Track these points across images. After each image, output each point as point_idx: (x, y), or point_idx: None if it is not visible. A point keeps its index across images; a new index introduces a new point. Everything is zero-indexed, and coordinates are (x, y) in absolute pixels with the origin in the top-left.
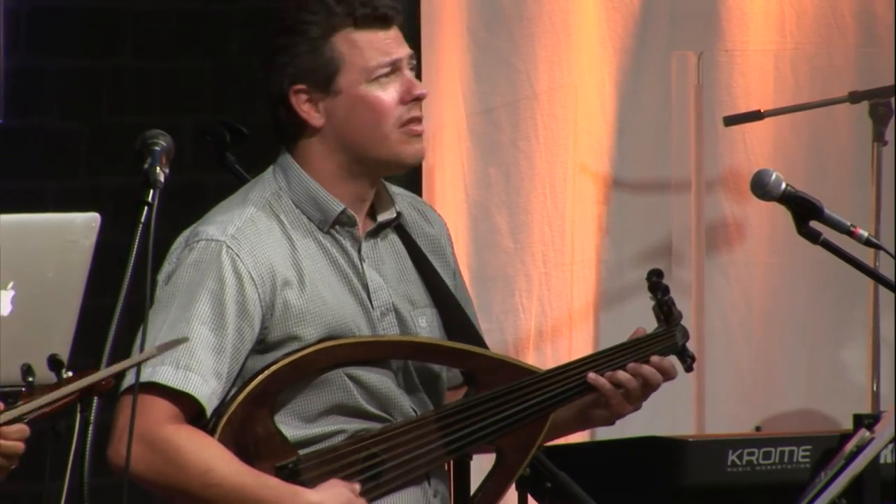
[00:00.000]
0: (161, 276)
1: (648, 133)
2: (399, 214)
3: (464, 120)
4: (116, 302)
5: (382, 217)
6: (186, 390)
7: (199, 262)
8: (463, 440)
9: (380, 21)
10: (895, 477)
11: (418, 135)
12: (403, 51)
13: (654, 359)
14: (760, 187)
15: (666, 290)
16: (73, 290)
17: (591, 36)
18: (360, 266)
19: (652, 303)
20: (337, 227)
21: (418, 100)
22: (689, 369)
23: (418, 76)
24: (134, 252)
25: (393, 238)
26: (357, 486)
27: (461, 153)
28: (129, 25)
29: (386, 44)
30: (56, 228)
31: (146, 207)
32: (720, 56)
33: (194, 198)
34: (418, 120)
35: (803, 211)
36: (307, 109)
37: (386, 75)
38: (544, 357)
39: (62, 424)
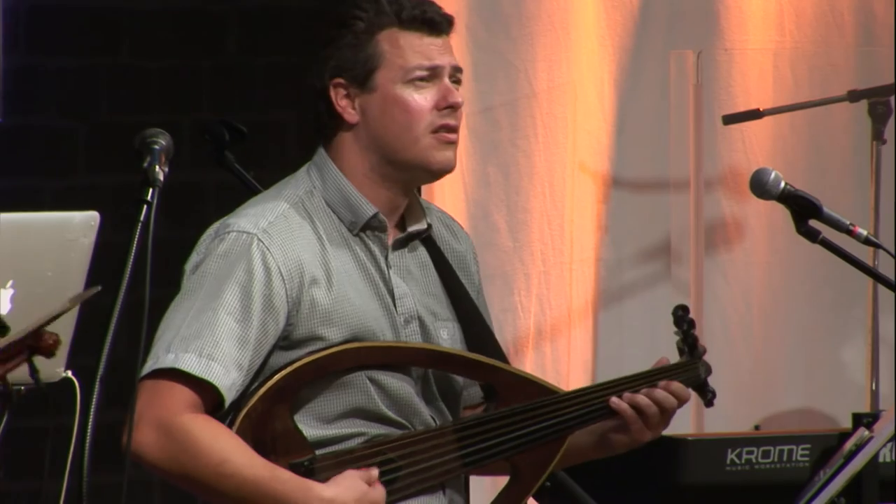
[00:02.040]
0: (188, 266)
1: (647, 132)
2: (429, 226)
3: (462, 119)
4: (115, 300)
5: (412, 227)
6: (208, 379)
7: (229, 252)
8: (480, 454)
9: (427, 25)
10: (895, 476)
11: (449, 142)
12: (446, 59)
13: (663, 383)
14: (759, 186)
15: (691, 323)
16: (72, 289)
17: (590, 35)
18: (386, 272)
19: (677, 337)
20: (367, 231)
21: (453, 108)
22: (708, 404)
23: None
24: (133, 250)
25: (421, 250)
26: (374, 472)
27: (460, 152)
28: (127, 24)
29: (429, 49)
30: (55, 227)
31: (145, 206)
32: (719, 55)
33: (193, 196)
34: (451, 128)
35: (802, 210)
36: (344, 104)
37: (423, 79)
38: (543, 356)
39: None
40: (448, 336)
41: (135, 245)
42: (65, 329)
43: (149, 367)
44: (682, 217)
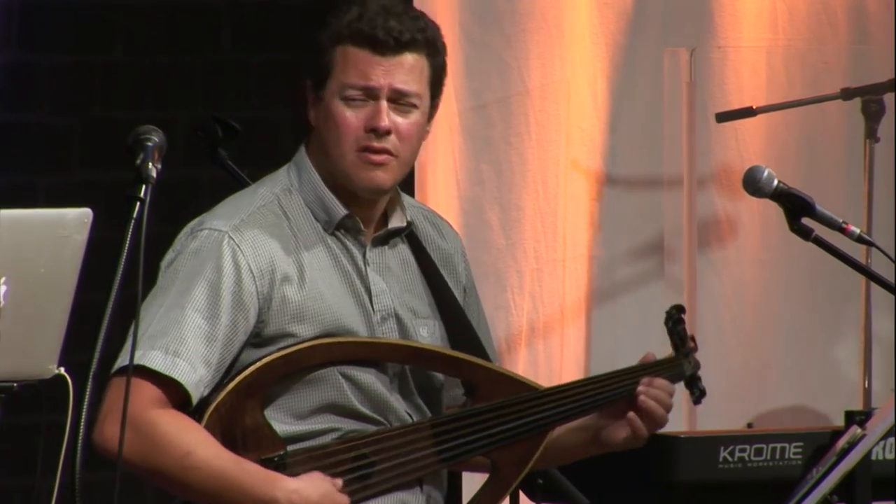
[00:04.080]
0: (163, 262)
1: (640, 129)
2: (409, 224)
3: (455, 116)
4: (108, 297)
5: (392, 225)
6: (173, 376)
7: (199, 250)
8: (457, 449)
9: (371, 43)
10: (895, 473)
11: (374, 163)
12: (385, 81)
13: (645, 380)
14: (752, 184)
15: (678, 320)
16: (66, 286)
17: (584, 32)
18: (363, 269)
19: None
20: (342, 230)
21: (376, 131)
22: (696, 402)
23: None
24: (126, 247)
25: (402, 247)
26: (339, 482)
27: (453, 149)
28: (121, 20)
29: (370, 68)
30: (48, 224)
31: (138, 203)
32: (712, 52)
33: (186, 193)
34: (374, 150)
35: (795, 207)
36: (309, 106)
37: (360, 98)
38: (536, 354)
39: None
40: (428, 334)
41: (128, 242)
42: (57, 326)
43: (118, 364)
44: (675, 215)
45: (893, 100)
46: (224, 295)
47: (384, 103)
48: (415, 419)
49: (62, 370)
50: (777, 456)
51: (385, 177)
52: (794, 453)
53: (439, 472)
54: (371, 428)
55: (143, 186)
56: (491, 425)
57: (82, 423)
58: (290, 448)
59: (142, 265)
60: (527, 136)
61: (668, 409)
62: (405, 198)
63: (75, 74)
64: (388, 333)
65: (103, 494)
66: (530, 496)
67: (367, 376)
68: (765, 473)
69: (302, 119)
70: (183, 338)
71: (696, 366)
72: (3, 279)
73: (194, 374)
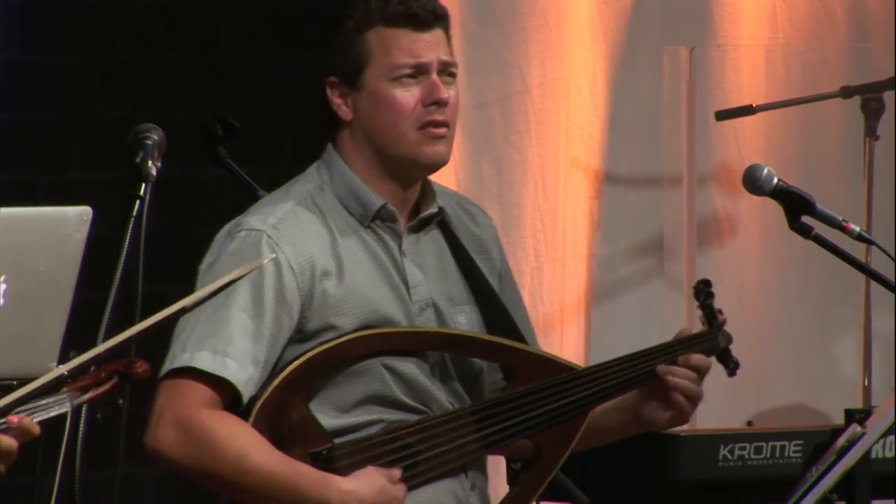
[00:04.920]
0: (202, 266)
1: (640, 128)
2: (441, 210)
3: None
4: (108, 296)
5: (425, 212)
6: (224, 375)
7: (239, 250)
8: (500, 434)
9: (411, 21)
10: (894, 472)
11: (437, 137)
12: (433, 55)
13: (682, 358)
14: (752, 182)
15: (709, 294)
16: (65, 284)
17: (583, 31)
18: (399, 260)
19: (698, 312)
20: (378, 221)
21: (438, 104)
22: (731, 374)
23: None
24: (126, 246)
25: (436, 234)
26: (396, 473)
27: (453, 148)
28: (121, 19)
29: (415, 45)
30: (48, 222)
31: (138, 201)
32: (712, 51)
33: (186, 192)
34: (438, 123)
35: (795, 206)
36: (338, 103)
37: (410, 76)
38: None
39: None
40: (465, 321)
41: (128, 240)
42: (57, 324)
43: (166, 367)
44: (674, 213)
45: (893, 98)
46: (267, 293)
47: (435, 76)
48: (456, 407)
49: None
50: (777, 454)
51: (446, 149)
52: (794, 451)
53: (482, 458)
54: (413, 418)
55: (143, 185)
56: (532, 408)
57: (82, 422)
58: (336, 441)
59: (141, 263)
60: (526, 134)
61: (698, 382)
62: (436, 185)
63: (75, 73)
64: (427, 323)
65: (103, 494)
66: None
67: (409, 366)
68: (764, 472)
69: (326, 118)
70: (231, 337)
71: (729, 339)
72: (3, 277)
73: (244, 373)
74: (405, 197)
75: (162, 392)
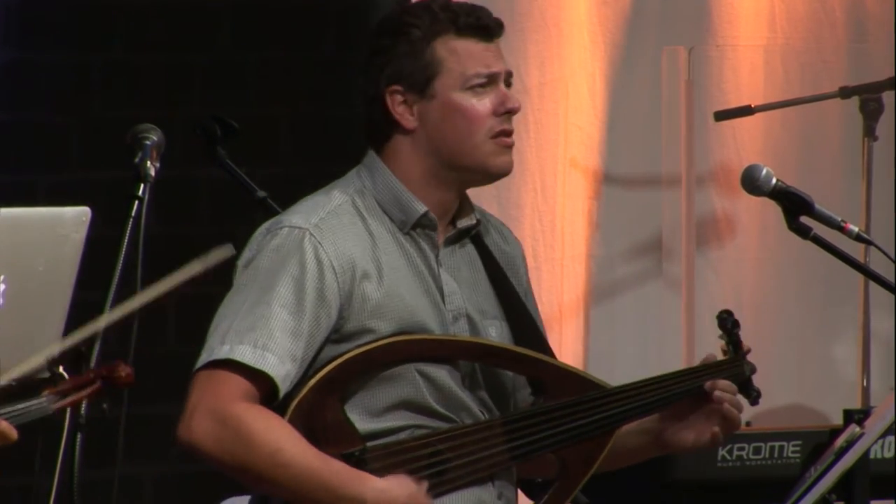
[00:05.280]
0: (241, 262)
1: (639, 128)
2: (479, 222)
3: None
4: (107, 296)
5: (462, 224)
6: (263, 369)
7: (281, 247)
8: (528, 447)
9: (481, 32)
10: (893, 472)
11: (509, 146)
12: (502, 65)
13: (709, 383)
14: (751, 182)
15: (736, 324)
16: (64, 284)
17: (582, 31)
18: (436, 269)
19: (722, 341)
20: (417, 229)
21: (511, 113)
22: (753, 403)
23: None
24: (124, 246)
25: (470, 248)
26: (425, 485)
27: None
28: (120, 19)
29: (486, 55)
30: (47, 222)
31: (137, 201)
32: (711, 51)
33: (185, 192)
34: (509, 133)
35: (794, 206)
36: (402, 111)
37: (482, 85)
38: None
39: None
40: (496, 334)
41: (126, 240)
42: (56, 324)
43: (203, 358)
44: (673, 213)
45: (891, 98)
46: (308, 291)
47: (503, 86)
48: (486, 417)
49: (60, 368)
50: (775, 454)
51: (512, 159)
52: (793, 452)
53: (510, 468)
54: (443, 425)
55: (142, 185)
56: (560, 423)
57: (81, 422)
58: (367, 444)
59: (140, 263)
60: (525, 134)
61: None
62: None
63: (74, 73)
64: (460, 332)
65: (102, 493)
66: (529, 494)
67: (442, 374)
68: (763, 472)
69: (375, 125)
70: (271, 332)
71: (753, 369)
72: (2, 277)
73: (282, 369)
74: (450, 207)
75: (197, 384)
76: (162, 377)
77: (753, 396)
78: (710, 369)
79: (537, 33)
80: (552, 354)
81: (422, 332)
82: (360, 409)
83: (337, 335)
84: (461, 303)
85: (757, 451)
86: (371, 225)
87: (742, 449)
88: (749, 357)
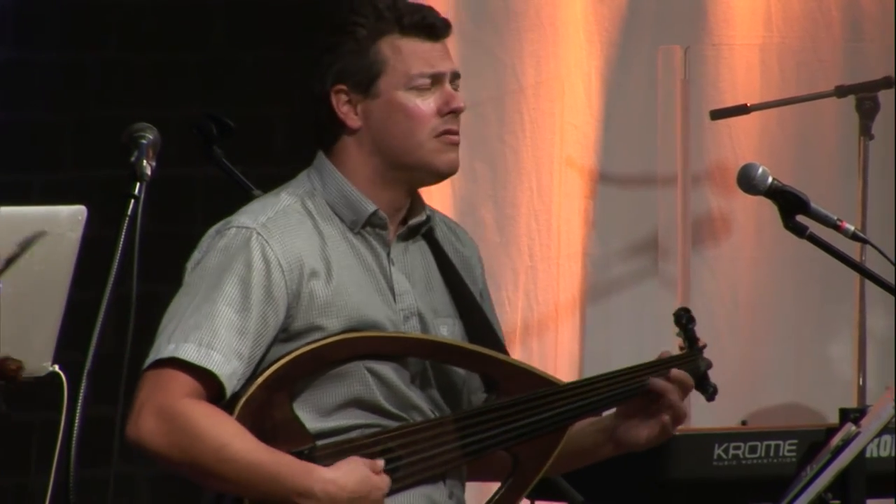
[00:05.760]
0: (189, 263)
1: (635, 127)
2: (429, 218)
3: None
4: (103, 295)
5: (413, 221)
6: (208, 367)
7: (228, 247)
8: (480, 444)
9: (426, 31)
10: (891, 471)
11: (454, 144)
12: (447, 66)
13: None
14: (747, 181)
15: (691, 319)
16: (60, 283)
17: (578, 30)
18: (388, 268)
19: (677, 336)
20: (368, 228)
21: (455, 112)
22: (710, 398)
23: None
24: (120, 245)
25: (423, 245)
26: (380, 463)
27: None
28: (115, 18)
29: (431, 55)
30: (42, 221)
31: (132, 200)
32: (707, 50)
33: (181, 191)
34: (454, 132)
35: (790, 205)
36: (346, 110)
37: (426, 86)
38: (530, 351)
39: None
40: (448, 332)
41: (122, 239)
42: (52, 323)
43: (150, 358)
44: (669, 212)
45: (888, 97)
46: (255, 289)
47: (448, 86)
48: (436, 415)
49: (57, 367)
50: (771, 453)
51: (457, 157)
52: (789, 451)
53: (461, 467)
54: (394, 424)
55: (138, 184)
56: (513, 420)
57: (76, 421)
58: (318, 443)
59: (136, 263)
60: (521, 133)
61: (675, 401)
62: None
63: (69, 72)
64: (411, 331)
65: (97, 492)
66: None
67: (392, 372)
68: (759, 471)
69: (321, 125)
70: (216, 331)
71: (709, 364)
72: None
73: (228, 367)
74: (400, 206)
75: (145, 383)
76: None
77: (710, 392)
78: (665, 364)
79: (533, 32)
80: (506, 353)
81: (372, 330)
82: (309, 407)
83: (285, 334)
84: (412, 301)
85: (753, 449)
86: (321, 225)
87: (738, 448)
88: (743, 355)
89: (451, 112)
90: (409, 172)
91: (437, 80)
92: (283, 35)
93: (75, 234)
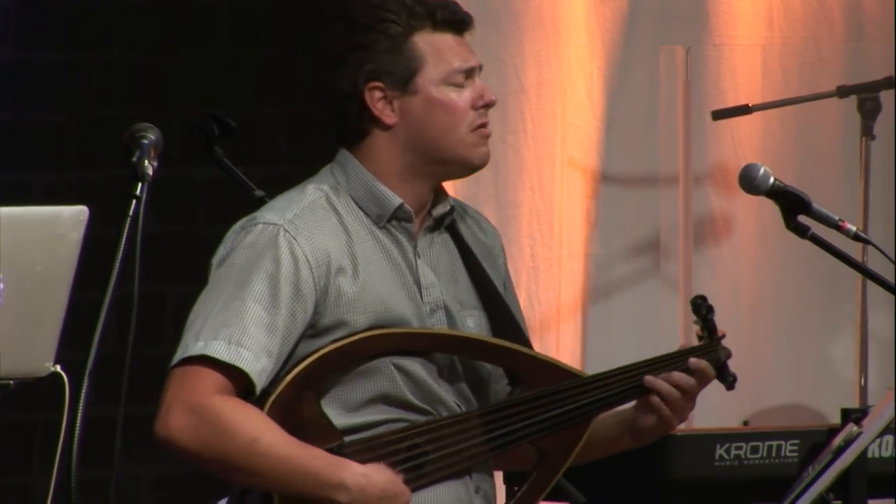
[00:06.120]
0: (215, 259)
1: (636, 127)
2: (453, 208)
3: None
4: (105, 295)
5: (437, 212)
6: (238, 364)
7: (255, 243)
8: (505, 438)
9: (456, 25)
10: (892, 471)
11: (487, 137)
12: (476, 59)
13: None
14: (748, 181)
15: (710, 309)
16: (62, 283)
17: (580, 30)
18: (413, 262)
19: (696, 327)
20: (393, 221)
21: (488, 106)
22: (730, 387)
23: None
24: (122, 245)
25: (446, 238)
26: (401, 476)
27: None
28: (117, 19)
29: (463, 49)
30: (44, 221)
31: (134, 201)
32: (708, 50)
33: (182, 191)
34: (487, 125)
35: (791, 205)
36: (381, 107)
37: (462, 81)
38: None
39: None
40: (474, 325)
41: (124, 239)
42: (54, 323)
43: (178, 355)
44: (671, 212)
45: (889, 97)
46: (283, 286)
47: (478, 80)
48: (463, 410)
49: (58, 367)
50: (773, 454)
51: (489, 150)
52: (791, 451)
53: (487, 461)
54: (421, 419)
55: (140, 184)
56: (538, 412)
57: (78, 421)
58: (345, 439)
59: (137, 263)
60: (523, 133)
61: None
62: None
63: (71, 72)
64: (437, 325)
65: (99, 492)
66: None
67: (419, 367)
68: (761, 471)
69: (351, 122)
70: (245, 328)
71: (728, 353)
72: (0, 277)
73: (258, 364)
74: (425, 200)
75: (173, 380)
76: (159, 377)
77: (730, 381)
78: (685, 355)
79: (535, 32)
80: (530, 345)
81: (398, 326)
82: (336, 403)
83: (312, 330)
84: (438, 294)
85: (755, 450)
86: (346, 220)
87: (740, 448)
88: (745, 356)
89: (484, 105)
90: (443, 166)
91: (469, 74)
92: (285, 36)
93: (77, 235)
